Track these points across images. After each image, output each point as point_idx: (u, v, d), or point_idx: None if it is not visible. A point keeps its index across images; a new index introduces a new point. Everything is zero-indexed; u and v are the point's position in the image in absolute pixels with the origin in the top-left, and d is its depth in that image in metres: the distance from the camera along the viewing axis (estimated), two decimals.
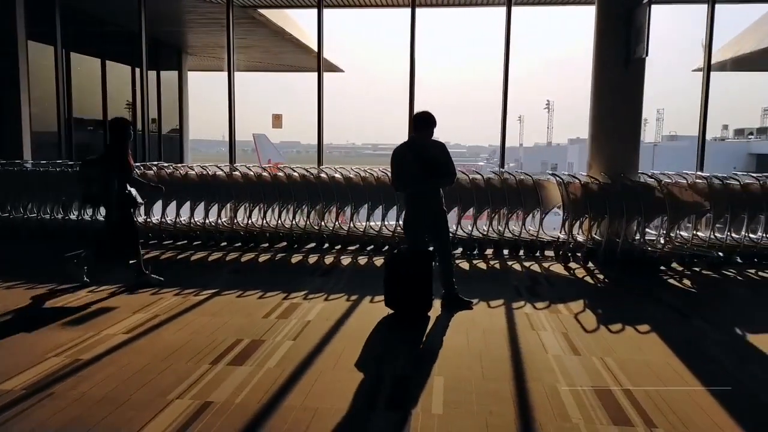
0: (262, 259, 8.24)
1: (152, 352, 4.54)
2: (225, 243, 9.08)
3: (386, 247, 8.63)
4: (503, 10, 10.02)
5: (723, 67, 15.71)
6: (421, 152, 5.66)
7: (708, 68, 9.28)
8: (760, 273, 7.64)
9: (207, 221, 9.26)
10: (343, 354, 4.58)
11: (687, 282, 7.25)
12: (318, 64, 10.42)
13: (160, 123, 17.67)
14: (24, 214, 9.65)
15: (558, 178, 8.35)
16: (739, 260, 8.21)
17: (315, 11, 10.50)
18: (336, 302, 6.05)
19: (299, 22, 16.18)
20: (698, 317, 5.77)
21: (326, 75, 22.29)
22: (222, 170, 9.26)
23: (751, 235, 8.41)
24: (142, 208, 8.60)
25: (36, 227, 9.44)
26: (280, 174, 9.03)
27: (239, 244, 9.04)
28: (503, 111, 9.82)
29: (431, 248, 5.78)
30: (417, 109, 7.14)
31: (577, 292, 6.70)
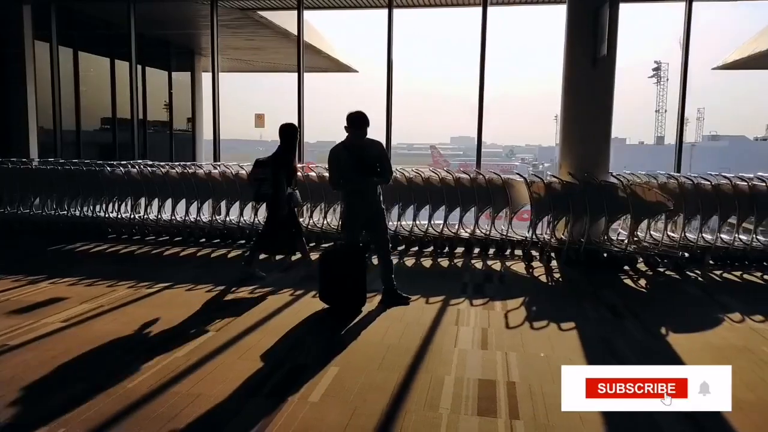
0: (232, 254, 8.48)
1: (76, 341, 4.80)
2: (204, 239, 9.35)
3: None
4: (486, 9, 10.03)
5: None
6: (357, 151, 5.80)
7: (685, 67, 9.17)
8: (724, 275, 7.55)
9: (187, 218, 9.54)
10: (256, 345, 4.77)
11: (642, 282, 7.22)
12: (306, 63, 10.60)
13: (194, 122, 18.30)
14: (30, 211, 10.09)
15: (523, 177, 8.39)
16: (711, 261, 8.12)
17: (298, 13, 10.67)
18: (281, 297, 6.23)
19: (315, 26, 16.54)
20: (632, 317, 5.78)
21: (342, 75, 22.53)
22: (201, 169, 9.55)
23: (724, 237, 8.30)
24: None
25: (39, 222, 9.89)
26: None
27: (218, 240, 9.31)
28: (479, 111, 9.88)
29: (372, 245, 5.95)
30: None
31: (523, 290, 6.74)
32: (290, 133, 6.72)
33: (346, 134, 5.83)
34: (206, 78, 20.49)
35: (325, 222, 9.13)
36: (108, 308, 5.73)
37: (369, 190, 5.89)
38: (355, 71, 22.92)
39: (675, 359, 4.62)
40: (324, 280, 5.79)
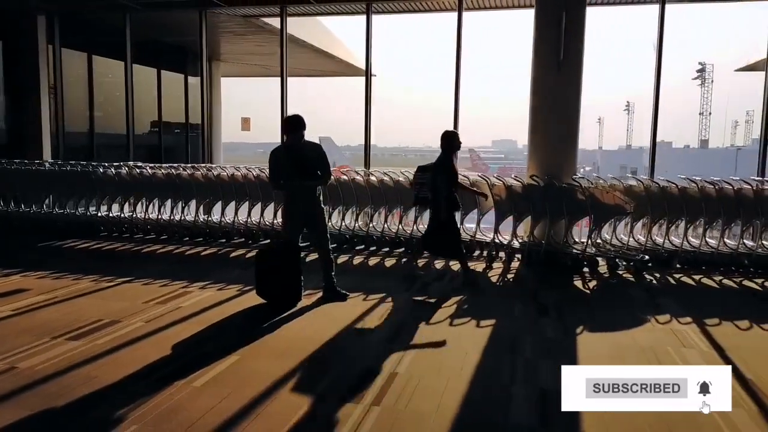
0: (206, 252, 8.84)
1: (14, 327, 5.20)
2: (187, 237, 9.76)
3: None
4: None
5: None
6: (295, 153, 6.07)
7: (658, 71, 9.13)
8: (683, 278, 7.52)
9: (172, 217, 9.97)
10: (175, 336, 5.07)
11: (592, 283, 7.28)
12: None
13: None
14: (30, 209, 10.69)
15: (485, 179, 8.51)
16: (678, 265, 8.08)
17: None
18: (225, 292, 6.53)
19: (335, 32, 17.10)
20: (556, 316, 5.88)
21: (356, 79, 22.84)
22: (186, 171, 9.97)
23: (691, 240, 8.26)
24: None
25: (38, 220, 10.48)
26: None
27: (200, 239, 9.71)
28: (454, 113, 10.03)
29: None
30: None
31: (467, 290, 6.88)
32: (450, 138, 6.78)
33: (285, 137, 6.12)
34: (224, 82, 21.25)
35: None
36: (60, 299, 6.13)
37: (308, 190, 6.14)
38: (373, 75, 23.22)
39: (569, 358, 4.73)
40: (259, 276, 6.05)
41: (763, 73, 9.51)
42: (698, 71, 71.67)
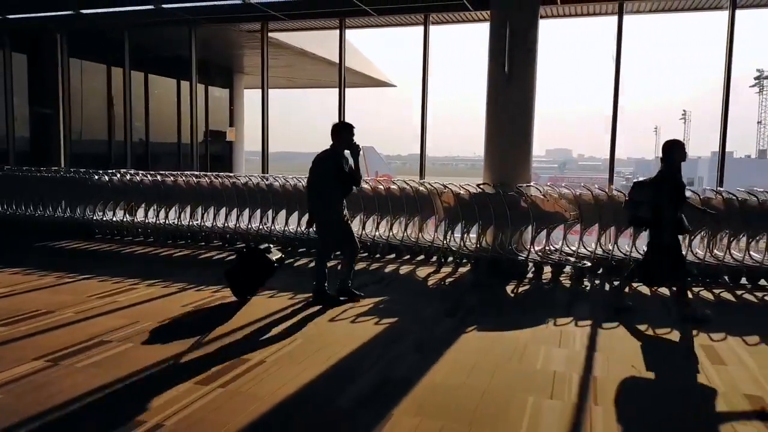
0: (178, 254, 9.45)
1: None
2: (170, 241, 10.42)
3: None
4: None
5: None
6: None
7: (617, 82, 9.24)
8: (614, 284, 7.65)
9: (160, 221, 10.65)
10: (90, 326, 5.60)
11: (523, 288, 7.50)
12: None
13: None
14: (35, 212, 11.57)
15: (434, 188, 8.83)
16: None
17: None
18: (166, 289, 7.07)
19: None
20: (461, 318, 6.15)
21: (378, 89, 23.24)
22: (175, 178, 10.65)
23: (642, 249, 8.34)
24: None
25: (42, 223, 11.35)
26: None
27: (183, 241, 10.35)
28: (422, 120, 10.34)
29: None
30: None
31: (397, 291, 7.23)
32: (672, 149, 6.03)
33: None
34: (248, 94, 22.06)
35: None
36: (16, 292, 6.79)
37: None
38: (393, 86, 23.78)
39: (437, 353, 5.03)
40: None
41: None
42: (756, 78, 69.20)
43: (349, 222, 6.72)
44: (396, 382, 4.40)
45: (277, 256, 6.73)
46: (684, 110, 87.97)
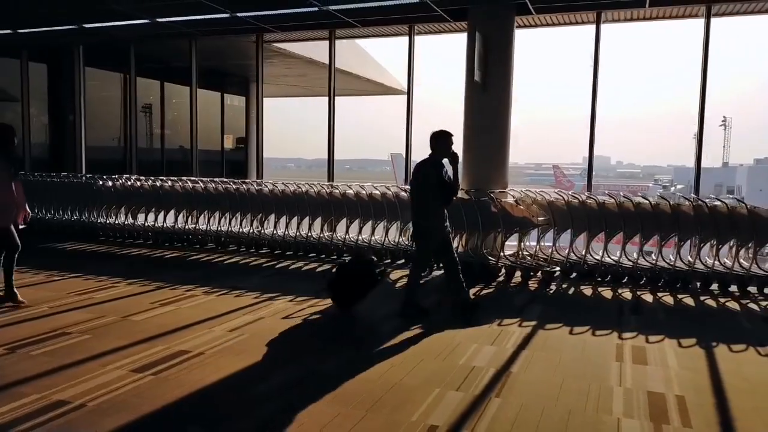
0: (162, 255, 9.91)
1: None
2: (167, 244, 10.91)
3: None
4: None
5: None
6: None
7: (594, 90, 9.37)
8: (585, 290, 7.79)
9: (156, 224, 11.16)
10: (63, 318, 6.04)
11: (487, 291, 7.70)
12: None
13: None
14: (49, 216, 12.20)
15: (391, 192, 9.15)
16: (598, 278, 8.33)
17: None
18: (139, 288, 7.48)
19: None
20: (412, 317, 6.38)
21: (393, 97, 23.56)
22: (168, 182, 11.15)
23: (597, 254, 8.47)
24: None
25: (53, 225, 11.95)
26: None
27: (179, 244, 10.83)
28: (407, 126, 10.61)
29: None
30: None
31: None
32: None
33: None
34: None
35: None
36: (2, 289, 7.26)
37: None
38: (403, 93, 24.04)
39: (371, 349, 5.31)
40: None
41: None
42: None
43: (450, 233, 6.57)
44: (320, 373, 4.69)
45: (379, 269, 6.72)
46: (724, 116, 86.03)
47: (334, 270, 6.97)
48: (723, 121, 77.67)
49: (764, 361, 5.21)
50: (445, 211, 6.30)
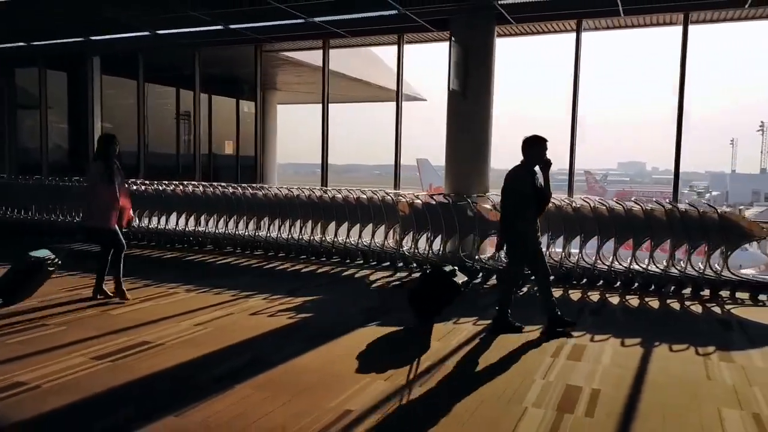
0: (166, 256, 10.40)
1: None
2: (168, 244, 11.43)
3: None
4: None
5: None
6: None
7: (575, 98, 9.54)
8: (556, 292, 7.98)
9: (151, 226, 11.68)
10: (43, 312, 6.51)
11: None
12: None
13: None
14: (57, 218, 12.83)
15: (390, 196, 9.45)
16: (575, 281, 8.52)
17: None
18: (127, 285, 7.93)
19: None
20: (381, 317, 6.67)
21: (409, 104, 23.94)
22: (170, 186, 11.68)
23: (587, 259, 8.65)
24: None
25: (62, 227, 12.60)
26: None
27: (169, 245, 11.34)
28: (396, 131, 10.92)
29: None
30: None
31: (341, 292, 7.92)
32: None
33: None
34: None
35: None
36: None
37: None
38: (424, 99, 24.37)
39: (321, 343, 5.64)
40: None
41: None
42: None
43: (540, 243, 6.42)
44: (264, 363, 5.03)
45: (462, 279, 6.65)
46: (762, 122, 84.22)
47: (418, 279, 7.10)
48: (761, 126, 75.95)
49: (697, 360, 5.37)
50: (538, 221, 6.17)
